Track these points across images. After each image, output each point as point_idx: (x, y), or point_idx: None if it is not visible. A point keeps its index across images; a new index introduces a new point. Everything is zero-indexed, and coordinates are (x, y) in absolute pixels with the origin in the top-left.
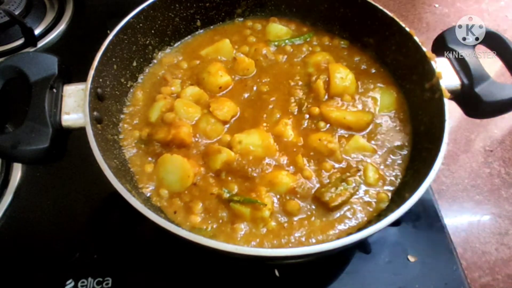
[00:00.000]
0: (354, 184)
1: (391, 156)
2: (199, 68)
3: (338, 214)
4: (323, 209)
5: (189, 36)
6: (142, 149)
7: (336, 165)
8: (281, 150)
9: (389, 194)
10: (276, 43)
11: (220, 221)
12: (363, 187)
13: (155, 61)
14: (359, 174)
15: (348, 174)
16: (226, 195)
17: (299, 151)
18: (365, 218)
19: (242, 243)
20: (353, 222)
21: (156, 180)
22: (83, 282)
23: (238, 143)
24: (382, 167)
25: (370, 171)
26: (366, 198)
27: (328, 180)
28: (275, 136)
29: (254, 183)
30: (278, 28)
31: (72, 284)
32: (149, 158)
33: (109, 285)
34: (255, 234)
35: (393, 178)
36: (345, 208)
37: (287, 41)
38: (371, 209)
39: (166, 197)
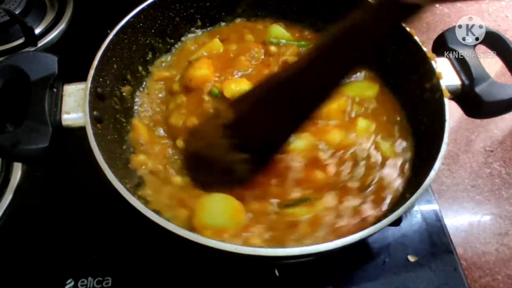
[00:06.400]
0: None
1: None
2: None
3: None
4: None
5: (185, 36)
6: None
7: None
8: None
9: None
10: (274, 41)
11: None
12: None
13: (153, 60)
14: None
15: None
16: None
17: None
18: None
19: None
20: None
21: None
22: (83, 281)
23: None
24: None
25: None
26: None
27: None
28: None
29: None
30: (279, 31)
31: (72, 283)
32: None
33: (109, 284)
34: None
35: None
36: None
37: (284, 41)
38: None
39: None
